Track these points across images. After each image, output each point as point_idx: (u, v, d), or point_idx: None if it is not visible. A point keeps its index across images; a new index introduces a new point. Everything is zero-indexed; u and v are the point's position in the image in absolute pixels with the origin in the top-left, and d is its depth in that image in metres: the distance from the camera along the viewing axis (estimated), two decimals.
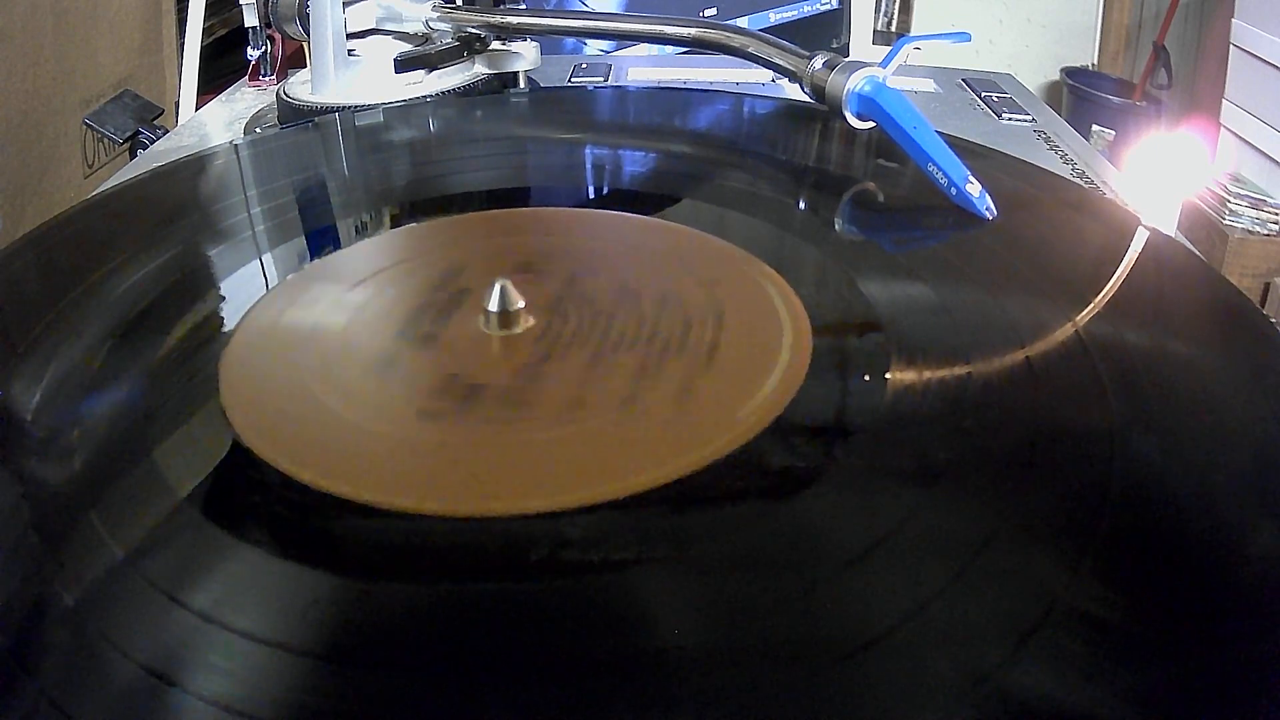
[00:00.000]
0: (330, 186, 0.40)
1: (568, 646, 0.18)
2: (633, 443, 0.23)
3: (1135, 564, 0.19)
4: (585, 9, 0.89)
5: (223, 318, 0.29)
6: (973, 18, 1.71)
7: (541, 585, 0.19)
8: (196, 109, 0.76)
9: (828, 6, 1.04)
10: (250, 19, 0.58)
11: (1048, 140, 0.49)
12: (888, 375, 0.25)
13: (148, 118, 0.56)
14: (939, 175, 0.34)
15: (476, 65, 0.51)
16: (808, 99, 0.42)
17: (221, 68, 0.96)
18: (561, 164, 0.43)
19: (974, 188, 0.33)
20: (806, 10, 1.02)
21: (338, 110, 0.47)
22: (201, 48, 0.88)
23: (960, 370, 0.25)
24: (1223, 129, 1.30)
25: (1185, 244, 0.33)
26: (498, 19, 0.48)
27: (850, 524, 0.21)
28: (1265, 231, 1.20)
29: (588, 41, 0.78)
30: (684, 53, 0.65)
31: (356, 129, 0.45)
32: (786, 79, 0.43)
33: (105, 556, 0.20)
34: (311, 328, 0.28)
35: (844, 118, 0.39)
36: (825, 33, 1.04)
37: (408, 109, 0.47)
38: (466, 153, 0.43)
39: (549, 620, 0.18)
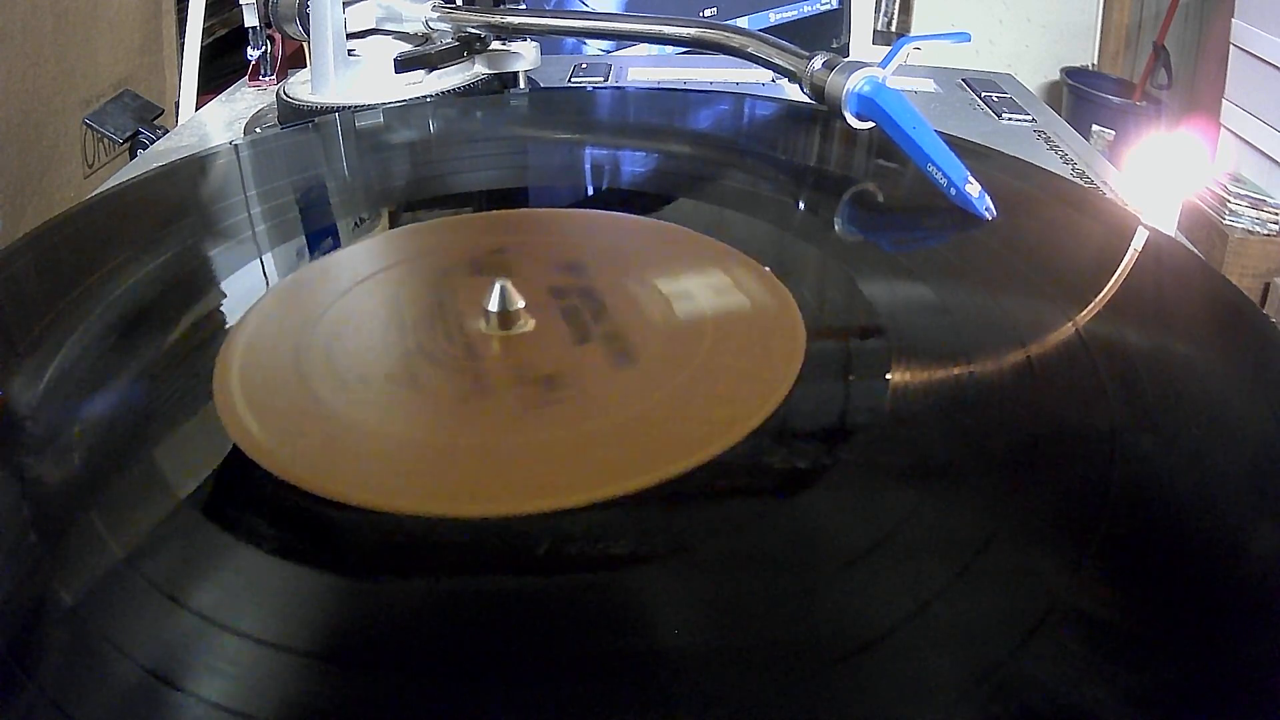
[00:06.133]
0: (330, 187, 0.40)
1: (568, 646, 0.18)
2: (631, 442, 0.23)
3: (1135, 564, 0.19)
4: (585, 9, 0.89)
5: (222, 317, 0.29)
6: (973, 18, 1.71)
7: (541, 585, 0.19)
8: (196, 109, 0.76)
9: (828, 6, 1.04)
10: (250, 19, 0.58)
11: (1048, 140, 0.49)
12: (887, 375, 0.25)
13: (148, 118, 0.56)
14: (938, 175, 0.34)
15: (476, 65, 0.51)
16: (807, 99, 0.42)
17: (221, 68, 0.96)
18: (561, 164, 0.43)
19: (973, 188, 0.33)
20: (806, 10, 1.02)
21: (338, 110, 0.47)
22: (201, 48, 0.88)
23: (960, 370, 0.25)
24: (1223, 129, 1.30)
25: (1185, 244, 0.33)
26: (498, 19, 0.48)
27: (850, 524, 0.21)
28: (1265, 231, 1.20)
29: (588, 41, 0.78)
30: (684, 53, 0.65)
31: (356, 129, 0.45)
32: (786, 79, 0.43)
33: (105, 556, 0.20)
34: (310, 328, 0.28)
35: (844, 118, 0.39)
36: (825, 33, 1.04)
37: (408, 109, 0.47)
38: (466, 153, 0.43)
39: (549, 620, 0.18)
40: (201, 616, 0.18)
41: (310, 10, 0.47)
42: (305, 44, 0.50)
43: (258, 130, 0.51)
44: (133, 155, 0.55)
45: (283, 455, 0.23)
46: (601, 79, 0.59)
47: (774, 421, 0.23)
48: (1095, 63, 1.74)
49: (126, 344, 0.28)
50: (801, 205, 0.37)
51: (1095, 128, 1.54)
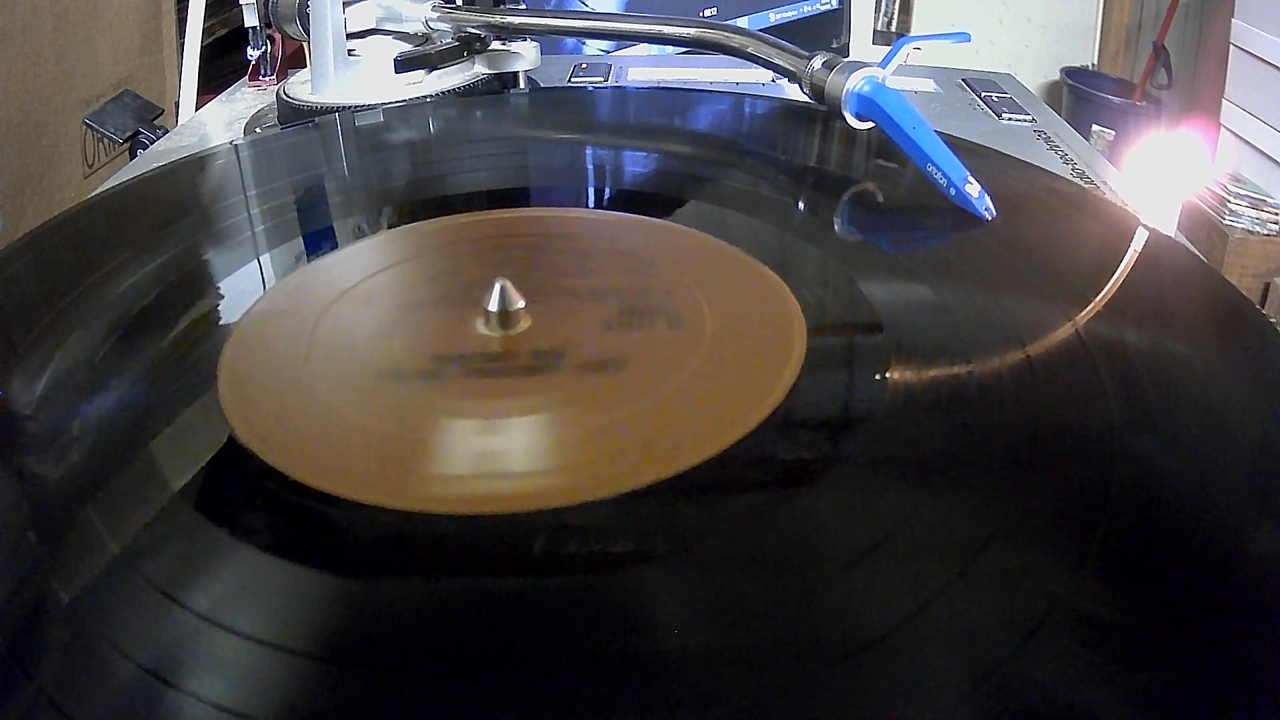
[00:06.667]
0: (330, 187, 0.40)
1: (568, 646, 0.18)
2: (631, 442, 0.23)
3: (1135, 564, 0.19)
4: (585, 9, 0.89)
5: (222, 317, 0.29)
6: (973, 18, 1.71)
7: (540, 584, 0.19)
8: (196, 109, 0.76)
9: (828, 6, 1.04)
10: (250, 19, 0.58)
11: (1048, 140, 0.49)
12: (887, 375, 0.25)
13: (148, 118, 0.56)
14: (938, 175, 0.34)
15: (476, 65, 0.51)
16: (807, 99, 0.42)
17: (221, 68, 0.96)
18: (561, 164, 0.43)
19: (973, 188, 0.33)
20: (806, 10, 1.02)
21: (338, 110, 0.47)
22: (201, 48, 0.88)
23: (960, 370, 0.25)
24: (1223, 129, 1.30)
25: (1185, 244, 0.33)
26: (498, 19, 0.48)
27: (851, 523, 0.21)
28: (1265, 231, 1.20)
29: (588, 41, 0.78)
30: (684, 53, 0.65)
31: (356, 129, 0.45)
32: (786, 79, 0.43)
33: (104, 556, 0.20)
34: (310, 327, 0.28)
35: (843, 118, 0.39)
36: (825, 33, 1.04)
37: (408, 109, 0.47)
38: (466, 153, 0.43)
39: (548, 619, 0.18)
40: (203, 616, 0.18)
41: (310, 10, 0.47)
42: (305, 44, 0.50)
43: (258, 130, 0.51)
44: (133, 155, 0.55)
45: (286, 453, 0.23)
46: (601, 79, 0.59)
47: (774, 421, 0.23)
48: (1095, 63, 1.74)
49: (127, 344, 0.28)
50: (801, 205, 0.37)
51: (1095, 128, 1.54)
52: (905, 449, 0.23)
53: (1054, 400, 0.24)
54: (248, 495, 0.22)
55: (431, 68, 0.48)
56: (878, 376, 0.25)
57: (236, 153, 0.42)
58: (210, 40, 0.97)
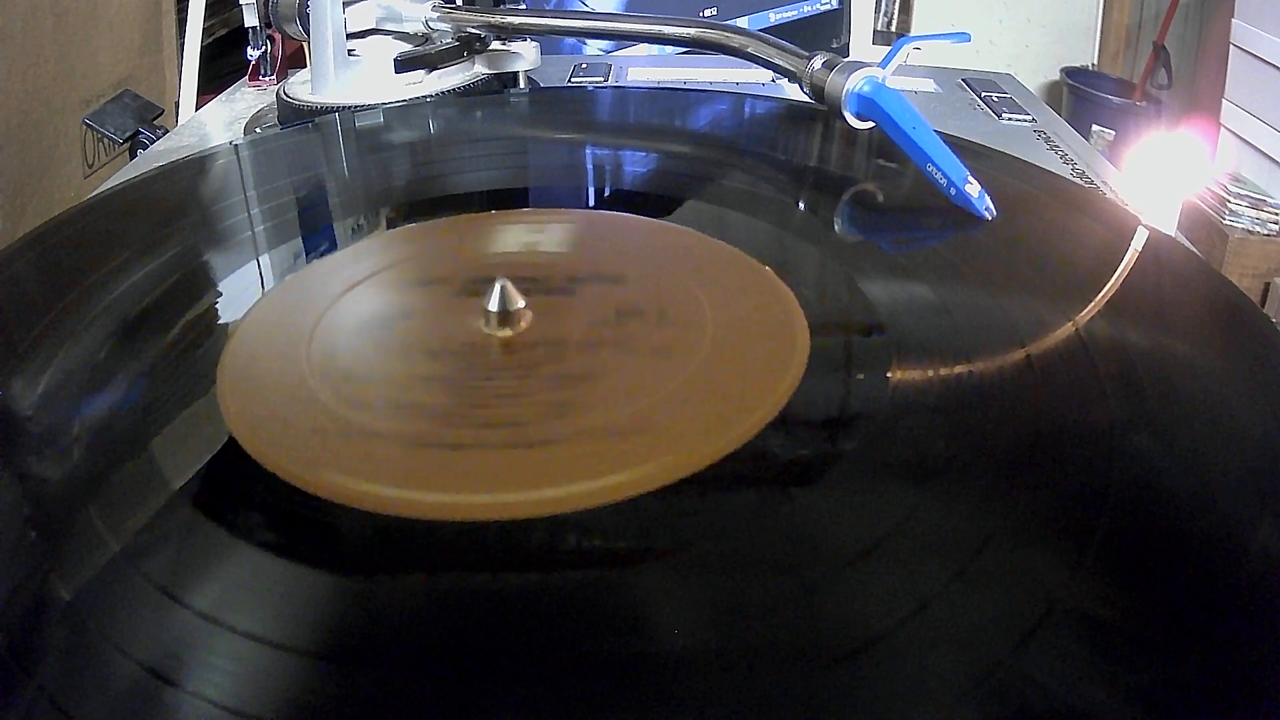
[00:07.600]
0: (330, 187, 0.40)
1: (568, 646, 0.18)
2: (633, 444, 0.23)
3: (1135, 564, 0.19)
4: (585, 9, 0.89)
5: (222, 317, 0.29)
6: (973, 18, 1.71)
7: (541, 585, 0.19)
8: (196, 109, 0.76)
9: (828, 6, 1.04)
10: (250, 19, 0.58)
11: (1048, 140, 0.49)
12: (888, 375, 0.25)
13: (148, 118, 0.56)
14: (938, 175, 0.34)
15: (476, 65, 0.51)
16: (807, 99, 0.42)
17: (221, 68, 0.96)
18: (561, 164, 0.43)
19: (973, 188, 0.33)
20: (806, 10, 1.02)
21: (338, 110, 0.47)
22: (201, 48, 0.88)
23: (960, 370, 0.25)
24: (1223, 129, 1.30)
25: (1185, 244, 0.33)
26: (498, 19, 0.48)
27: (850, 524, 0.21)
28: (1265, 231, 1.20)
29: (588, 41, 0.78)
30: (684, 53, 0.65)
31: (356, 129, 0.45)
32: (786, 79, 0.43)
33: (105, 556, 0.20)
34: (311, 328, 0.28)
35: (843, 118, 0.39)
36: (825, 33, 1.05)
37: (408, 109, 0.47)
38: (466, 153, 0.43)
39: (549, 620, 0.18)
40: (203, 615, 0.18)
41: (310, 10, 0.47)
42: (305, 44, 0.50)
43: (258, 130, 0.51)
44: (133, 155, 0.55)
45: (285, 454, 0.23)
46: (601, 79, 0.59)
47: (777, 422, 0.23)
48: (1095, 63, 1.74)
49: (127, 344, 0.28)
50: (802, 205, 0.37)
51: (1095, 128, 1.54)
52: (905, 449, 0.23)
53: (1054, 400, 0.24)
54: (247, 496, 0.22)
55: (431, 68, 0.48)
56: (879, 377, 0.25)
57: (236, 153, 0.42)
58: (210, 40, 0.97)
